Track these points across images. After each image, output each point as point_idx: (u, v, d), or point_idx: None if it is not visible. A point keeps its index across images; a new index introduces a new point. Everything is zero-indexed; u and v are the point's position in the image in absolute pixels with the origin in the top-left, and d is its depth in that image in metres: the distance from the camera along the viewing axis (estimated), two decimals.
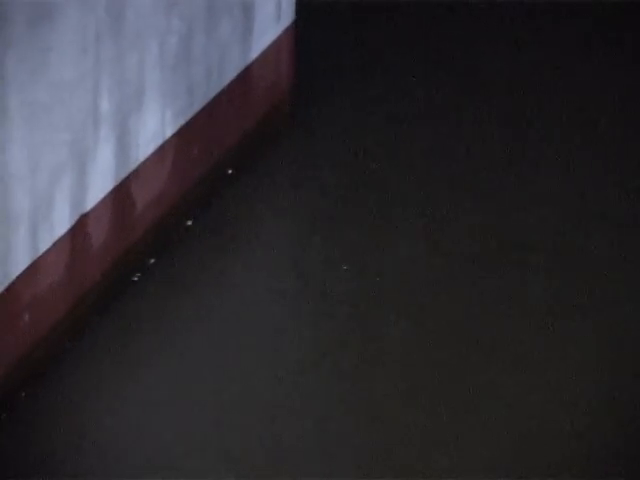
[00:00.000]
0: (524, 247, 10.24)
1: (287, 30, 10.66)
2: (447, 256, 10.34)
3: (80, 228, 8.39)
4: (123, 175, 8.75)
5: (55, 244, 8.14)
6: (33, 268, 7.99)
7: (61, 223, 8.19)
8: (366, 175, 11.06)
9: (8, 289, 7.79)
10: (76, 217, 8.31)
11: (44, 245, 8.08)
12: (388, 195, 10.80)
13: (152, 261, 9.25)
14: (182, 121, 9.25)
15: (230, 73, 9.76)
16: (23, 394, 8.05)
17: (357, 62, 12.78)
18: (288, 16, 10.62)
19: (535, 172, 11.26)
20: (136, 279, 9.13)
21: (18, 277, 7.90)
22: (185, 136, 9.34)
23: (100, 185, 8.45)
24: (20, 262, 7.82)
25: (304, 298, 9.84)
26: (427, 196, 11.12)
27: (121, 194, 8.81)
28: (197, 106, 9.41)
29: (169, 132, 9.13)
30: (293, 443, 7.91)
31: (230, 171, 9.92)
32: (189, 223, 9.68)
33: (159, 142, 9.04)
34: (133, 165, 8.80)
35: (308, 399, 8.38)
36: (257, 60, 10.10)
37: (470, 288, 9.92)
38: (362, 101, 12.03)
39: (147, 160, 8.95)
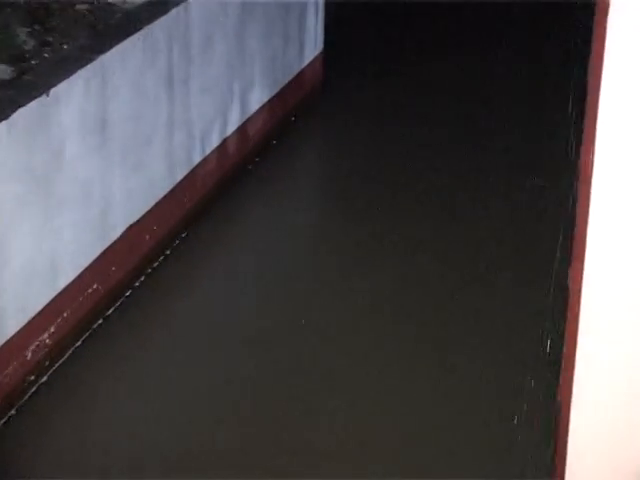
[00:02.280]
0: None
1: (319, 53, 12.96)
2: None
3: (223, 144, 10.83)
4: (243, 120, 11.18)
5: (212, 150, 10.69)
6: (203, 161, 10.52)
7: (215, 140, 10.73)
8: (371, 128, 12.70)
9: (193, 170, 10.46)
10: (221, 139, 10.84)
11: (208, 149, 10.65)
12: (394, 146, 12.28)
13: (257, 159, 11.60)
14: (270, 95, 11.69)
15: (293, 73, 12.27)
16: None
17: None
18: (320, 47, 12.90)
19: None
20: (250, 167, 11.45)
21: (197, 164, 10.51)
22: (272, 101, 11.69)
23: (233, 124, 10.96)
24: (196, 158, 10.42)
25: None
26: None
27: (242, 128, 11.15)
28: (278, 88, 11.81)
29: (265, 99, 11.57)
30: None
31: (293, 118, 12.34)
32: (274, 142, 11.99)
33: (259, 105, 11.47)
34: (247, 116, 11.27)
35: None
36: (306, 67, 12.53)
37: None
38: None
39: (254, 113, 11.35)
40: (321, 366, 8.96)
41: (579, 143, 5.83)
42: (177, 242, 10.01)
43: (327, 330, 9.52)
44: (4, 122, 7.62)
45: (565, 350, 6.32)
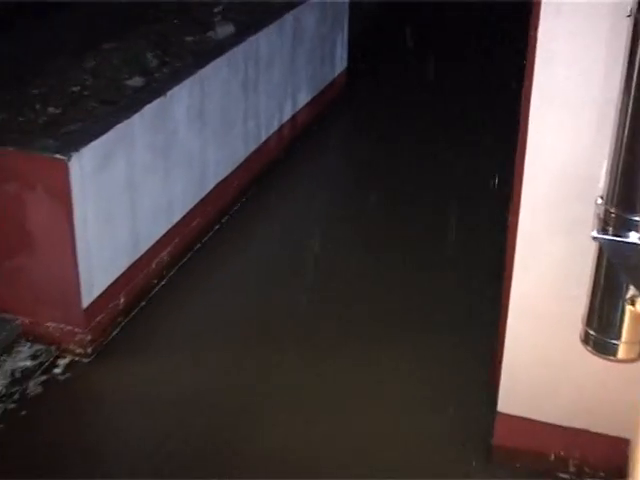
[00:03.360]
0: None
1: (344, 69, 12.68)
2: None
3: (280, 128, 10.83)
4: (293, 112, 11.12)
5: (273, 132, 10.69)
6: (267, 139, 10.56)
7: (275, 126, 10.77)
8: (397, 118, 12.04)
9: (259, 146, 10.37)
10: (279, 125, 10.84)
11: (270, 132, 10.67)
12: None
13: (303, 138, 11.41)
14: (311, 96, 11.59)
15: (326, 81, 12.14)
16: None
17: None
18: (344, 65, 12.61)
19: None
20: (298, 144, 11.22)
21: (263, 141, 10.47)
22: (312, 100, 11.60)
23: (287, 114, 10.94)
24: (262, 137, 10.45)
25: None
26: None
27: (293, 118, 11.14)
28: (316, 92, 11.70)
29: (308, 99, 11.48)
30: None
31: (325, 113, 11.89)
32: (314, 127, 11.73)
33: (304, 103, 11.40)
34: (296, 110, 11.14)
35: None
36: (335, 78, 12.37)
37: None
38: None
39: (300, 108, 11.26)
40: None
41: None
42: (250, 193, 10.08)
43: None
44: (137, 114, 7.84)
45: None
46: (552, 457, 5.94)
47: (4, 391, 6.51)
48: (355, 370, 7.04)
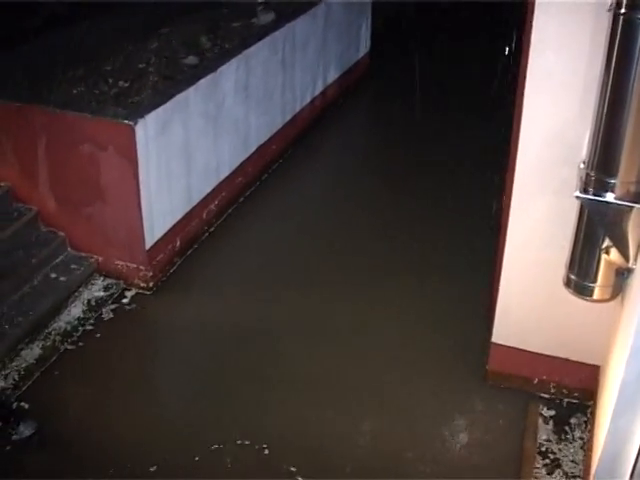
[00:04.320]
0: None
1: (367, 51, 12.29)
2: None
3: (312, 100, 10.59)
4: (324, 87, 10.88)
5: (306, 104, 10.48)
6: (301, 110, 10.35)
7: (308, 98, 10.54)
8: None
9: (294, 115, 10.25)
10: (311, 98, 10.61)
11: (304, 103, 10.46)
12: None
13: (331, 109, 11.08)
14: (339, 74, 11.28)
15: (352, 61, 11.74)
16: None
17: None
18: (368, 47, 12.21)
19: None
20: (327, 114, 10.94)
21: (297, 111, 10.28)
22: (340, 77, 11.27)
23: (318, 88, 10.66)
24: (296, 108, 10.27)
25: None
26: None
27: (324, 92, 10.86)
28: (343, 70, 11.37)
29: (336, 76, 11.14)
30: None
31: (351, 88, 11.56)
32: (341, 100, 11.41)
33: (333, 79, 11.08)
34: (326, 85, 10.92)
35: None
36: (359, 59, 11.95)
37: None
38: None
39: (330, 84, 10.99)
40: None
41: None
42: (286, 155, 9.98)
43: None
44: (192, 87, 7.86)
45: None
46: (536, 381, 6.15)
47: (82, 315, 6.81)
48: (364, 307, 7.18)
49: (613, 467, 4.67)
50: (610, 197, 4.27)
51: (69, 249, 7.27)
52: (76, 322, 6.75)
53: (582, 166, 4.38)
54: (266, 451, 5.67)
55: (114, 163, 6.73)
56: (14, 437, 5.59)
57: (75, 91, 7.07)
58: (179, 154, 7.33)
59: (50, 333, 6.57)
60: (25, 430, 5.59)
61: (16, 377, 6.10)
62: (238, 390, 6.18)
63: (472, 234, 7.93)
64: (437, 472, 5.55)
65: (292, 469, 5.51)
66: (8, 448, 5.58)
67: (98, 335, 6.73)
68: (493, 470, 5.51)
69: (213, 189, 8.15)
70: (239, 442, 5.71)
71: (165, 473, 5.41)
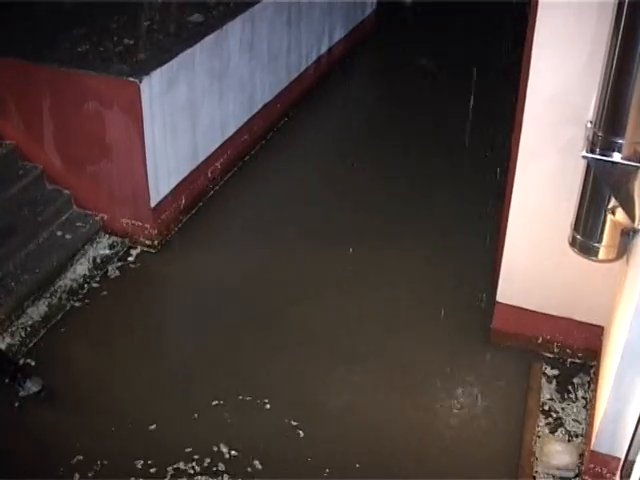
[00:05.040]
0: None
1: (373, 10, 12.05)
2: None
3: (318, 59, 10.44)
4: (330, 46, 10.70)
5: (312, 62, 10.36)
6: (306, 68, 10.26)
7: (314, 57, 10.42)
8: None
9: (300, 73, 10.04)
10: (317, 56, 10.45)
11: (310, 62, 10.33)
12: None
13: (337, 67, 11.00)
14: (345, 33, 11.13)
15: (358, 20, 11.61)
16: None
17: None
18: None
19: None
20: (333, 72, 10.88)
21: (303, 70, 10.12)
22: (346, 36, 11.12)
23: (324, 48, 10.55)
24: (302, 67, 10.17)
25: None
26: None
27: (329, 51, 10.73)
28: (349, 29, 11.20)
29: (342, 35, 11.04)
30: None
31: (356, 48, 11.35)
32: (347, 58, 11.30)
33: (339, 38, 10.95)
34: (332, 44, 10.73)
35: None
36: (365, 18, 11.79)
37: None
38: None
39: (335, 43, 10.79)
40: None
41: None
42: (291, 114, 9.86)
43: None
44: (197, 44, 7.76)
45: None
46: (540, 340, 6.22)
47: (88, 273, 6.85)
48: (368, 265, 7.19)
49: (616, 426, 4.79)
50: (617, 157, 4.23)
51: (74, 207, 7.23)
52: (82, 280, 6.76)
53: (589, 126, 4.35)
54: (267, 406, 5.71)
55: (119, 121, 6.67)
56: (21, 393, 5.60)
57: (80, 49, 6.98)
58: (184, 112, 7.28)
59: (56, 291, 6.57)
60: (32, 386, 5.60)
61: (22, 334, 6.10)
62: (240, 347, 6.23)
63: (481, 191, 7.89)
64: (441, 430, 5.62)
65: (293, 423, 5.59)
66: (17, 404, 5.63)
67: (104, 293, 6.77)
68: (496, 428, 5.59)
69: (218, 147, 8.09)
70: (240, 397, 5.76)
71: (164, 431, 5.50)
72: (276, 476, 5.22)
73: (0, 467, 5.10)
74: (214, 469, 5.26)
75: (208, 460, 5.32)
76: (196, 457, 5.32)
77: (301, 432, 5.54)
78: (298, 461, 5.32)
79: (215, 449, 5.39)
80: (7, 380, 5.61)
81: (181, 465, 5.25)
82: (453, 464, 5.31)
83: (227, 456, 5.37)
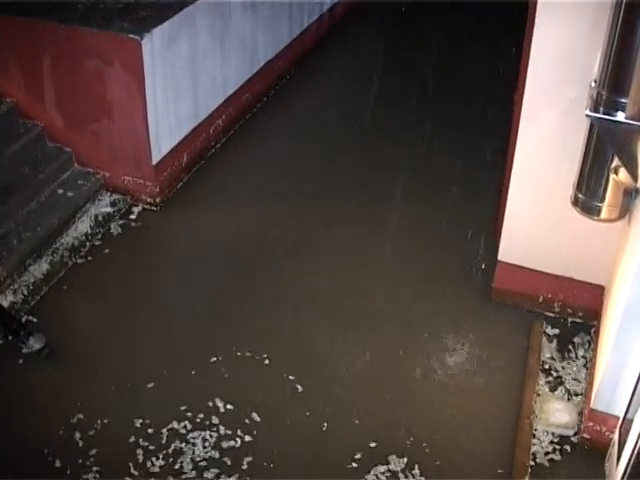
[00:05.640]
0: None
1: None
2: None
3: (320, 17, 10.36)
4: (332, 4, 10.64)
5: (313, 21, 10.27)
6: (308, 27, 10.15)
7: (316, 16, 10.31)
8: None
9: (302, 32, 9.88)
10: (319, 15, 10.35)
11: (311, 20, 10.23)
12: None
13: (339, 25, 10.85)
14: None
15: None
16: None
17: None
18: None
19: None
20: (334, 30, 10.71)
21: (304, 28, 10.02)
22: (328, 11, 10.71)
23: (326, 5, 10.49)
24: (304, 25, 10.02)
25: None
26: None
27: (332, 9, 10.66)
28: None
29: (326, 9, 10.61)
30: None
31: (359, 7, 11.10)
32: (349, 17, 11.10)
33: (320, 14, 10.51)
34: (334, 2, 10.67)
35: None
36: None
37: None
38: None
39: (314, 20, 10.36)
40: None
41: None
42: (292, 72, 9.81)
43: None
44: (199, 1, 7.57)
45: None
46: (541, 299, 6.23)
47: (90, 231, 6.85)
48: (370, 224, 7.20)
49: (615, 385, 4.83)
50: (621, 116, 4.17)
51: (75, 165, 7.21)
52: (83, 237, 6.78)
53: (593, 85, 4.28)
54: (266, 361, 5.78)
55: (120, 78, 6.63)
56: (24, 350, 5.64)
57: (80, 5, 6.91)
58: (185, 69, 7.22)
59: (58, 249, 6.60)
60: (35, 344, 5.65)
61: (25, 292, 6.13)
62: (240, 304, 6.26)
63: (484, 151, 7.84)
64: (440, 387, 5.66)
65: (292, 377, 5.64)
66: (21, 361, 5.68)
67: (106, 251, 6.83)
68: (497, 386, 5.63)
69: (220, 105, 8.04)
70: (239, 354, 5.82)
71: (161, 389, 5.54)
72: (274, 428, 5.30)
73: (3, 427, 5.22)
74: (207, 423, 5.32)
75: (201, 416, 5.38)
76: (189, 415, 5.37)
77: (300, 387, 5.59)
78: (296, 415, 5.38)
79: (210, 404, 5.43)
80: (10, 337, 5.63)
81: (174, 425, 5.31)
82: (453, 420, 5.39)
83: (222, 410, 5.41)
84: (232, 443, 5.25)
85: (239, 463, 5.09)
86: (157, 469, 5.04)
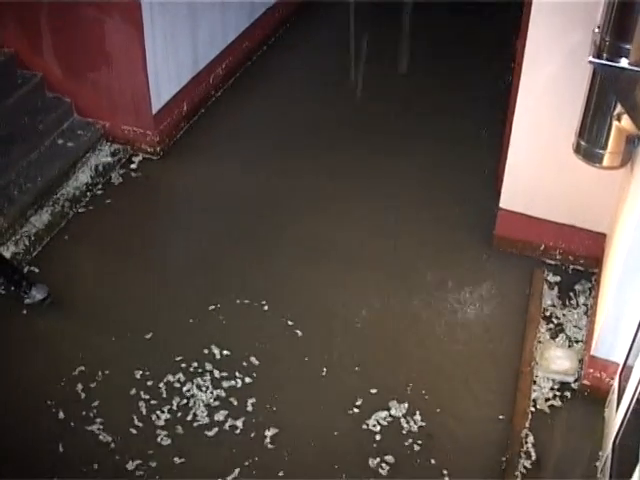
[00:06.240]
0: None
1: None
2: None
3: None
4: None
5: None
6: None
7: None
8: None
9: None
10: None
11: None
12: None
13: None
14: None
15: None
16: None
17: None
18: None
19: None
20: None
21: None
22: None
23: None
24: None
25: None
26: None
27: None
28: None
29: None
30: None
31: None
32: None
33: None
34: None
35: None
36: None
37: None
38: None
39: None
40: None
41: None
42: (293, 19, 9.70)
43: None
44: None
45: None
46: (542, 247, 6.24)
47: (90, 181, 6.84)
48: (370, 174, 7.18)
49: (615, 332, 4.87)
50: (624, 62, 4.15)
51: (75, 115, 7.18)
52: (84, 188, 6.78)
53: (596, 31, 4.19)
54: (265, 307, 5.81)
55: (119, 27, 6.57)
56: (26, 301, 5.67)
57: None
58: (185, 18, 7.18)
59: (59, 199, 6.59)
60: (37, 294, 5.67)
61: (26, 242, 6.15)
62: (239, 253, 6.31)
63: (485, 101, 7.86)
64: (441, 334, 5.72)
65: (290, 323, 5.69)
66: (25, 312, 5.70)
67: (108, 201, 6.84)
68: (498, 333, 5.67)
69: (220, 54, 7.99)
70: (238, 301, 5.85)
71: (159, 339, 5.58)
72: (273, 372, 5.37)
73: (8, 379, 5.24)
74: (200, 371, 5.37)
75: (195, 364, 5.43)
76: (183, 365, 5.42)
77: (299, 332, 5.64)
78: (295, 359, 5.44)
79: (206, 351, 5.49)
80: (13, 288, 5.65)
81: (170, 378, 5.35)
82: (453, 368, 5.44)
83: (218, 357, 5.48)
84: (232, 383, 5.35)
85: (244, 403, 5.19)
86: (162, 420, 5.14)
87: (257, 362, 5.44)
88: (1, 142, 6.43)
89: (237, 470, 4.79)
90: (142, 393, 5.21)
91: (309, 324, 5.68)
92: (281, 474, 4.75)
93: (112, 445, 4.91)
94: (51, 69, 6.97)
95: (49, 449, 4.81)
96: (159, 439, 4.97)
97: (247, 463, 4.80)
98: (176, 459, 4.85)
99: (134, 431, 5.00)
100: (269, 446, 4.92)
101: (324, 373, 5.37)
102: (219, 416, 5.16)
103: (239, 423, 5.09)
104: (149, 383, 5.29)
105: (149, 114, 7.03)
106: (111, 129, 7.24)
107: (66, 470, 4.71)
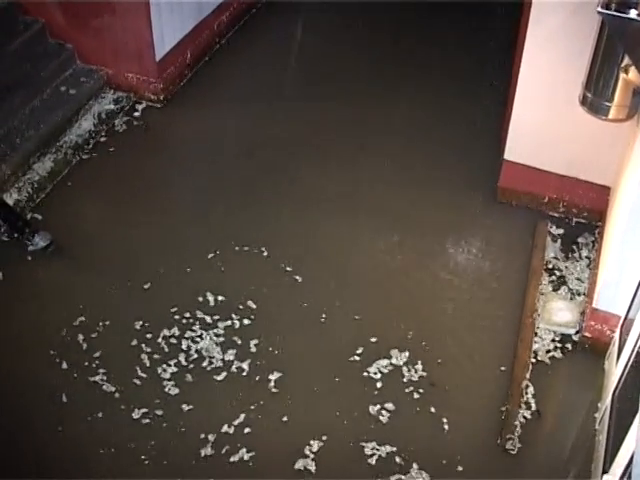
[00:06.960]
0: None
1: None
2: None
3: None
4: None
5: None
6: None
7: None
8: None
9: None
10: None
11: None
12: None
13: None
14: None
15: None
16: None
17: None
18: None
19: None
20: None
21: None
22: None
23: None
24: None
25: None
26: None
27: None
28: None
29: None
30: None
31: None
32: None
33: None
34: None
35: None
36: None
37: None
38: None
39: None
40: None
41: None
42: None
43: None
44: None
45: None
46: (546, 199, 6.26)
47: (93, 128, 6.74)
48: (374, 126, 7.10)
49: (617, 285, 4.91)
50: (633, 14, 4.09)
51: (78, 62, 7.15)
52: (87, 135, 6.77)
53: None
54: (265, 253, 5.86)
55: None
56: (30, 248, 5.72)
57: None
58: None
59: (61, 146, 6.59)
60: (40, 241, 5.72)
61: (29, 190, 6.17)
62: (240, 202, 6.33)
63: (490, 53, 7.80)
64: (445, 285, 5.75)
65: (288, 269, 5.75)
66: (29, 258, 5.75)
67: (111, 148, 6.84)
68: (501, 284, 5.72)
69: (224, 1, 7.90)
70: (237, 249, 5.89)
71: (157, 289, 5.62)
72: (271, 316, 5.41)
73: (11, 328, 5.30)
74: (191, 321, 5.42)
75: (187, 315, 5.46)
76: (177, 317, 5.44)
77: (298, 277, 5.68)
78: (293, 305, 5.47)
79: (200, 299, 5.51)
80: (16, 235, 5.69)
81: (165, 332, 5.37)
82: (455, 318, 5.48)
83: (212, 304, 5.51)
84: (228, 323, 5.42)
85: (247, 344, 5.27)
86: (167, 373, 5.14)
87: (254, 305, 5.48)
88: (3, 89, 6.36)
89: (243, 415, 4.86)
90: (144, 346, 5.28)
91: (309, 271, 5.70)
92: (285, 419, 4.83)
93: (116, 395, 4.96)
94: (53, 15, 6.88)
95: (53, 399, 4.85)
96: (166, 389, 5.04)
97: (252, 407, 4.87)
98: (184, 406, 4.90)
99: (138, 382, 5.05)
100: (273, 390, 4.99)
101: (323, 320, 5.42)
102: (228, 356, 5.24)
103: (245, 365, 5.15)
104: (148, 336, 5.37)
105: (153, 61, 6.98)
106: (114, 76, 7.19)
107: (71, 419, 4.76)
